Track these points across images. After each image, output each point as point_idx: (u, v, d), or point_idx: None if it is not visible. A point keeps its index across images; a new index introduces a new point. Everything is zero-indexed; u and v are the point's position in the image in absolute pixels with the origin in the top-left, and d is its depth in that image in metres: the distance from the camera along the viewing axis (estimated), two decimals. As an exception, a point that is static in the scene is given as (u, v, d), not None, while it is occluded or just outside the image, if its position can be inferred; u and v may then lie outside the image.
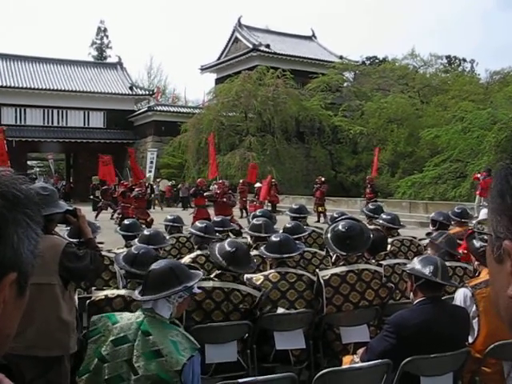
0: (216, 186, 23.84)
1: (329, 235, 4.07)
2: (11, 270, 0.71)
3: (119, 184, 19.51)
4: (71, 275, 3.06)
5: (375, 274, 3.98)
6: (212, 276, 3.74)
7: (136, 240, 4.77)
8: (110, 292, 3.53)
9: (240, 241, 5.16)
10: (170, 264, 2.67)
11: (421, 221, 15.90)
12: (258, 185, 21.43)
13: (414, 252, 5.43)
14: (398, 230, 5.83)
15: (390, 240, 5.42)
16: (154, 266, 2.65)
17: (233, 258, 3.62)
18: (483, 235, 3.33)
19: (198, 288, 3.55)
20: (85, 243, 3.24)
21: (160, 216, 12.11)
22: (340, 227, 4.03)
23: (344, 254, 3.94)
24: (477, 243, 3.61)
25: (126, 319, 2.46)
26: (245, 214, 19.81)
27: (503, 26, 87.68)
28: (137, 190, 16.48)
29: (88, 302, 3.54)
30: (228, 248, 3.66)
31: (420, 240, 5.96)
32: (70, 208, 3.27)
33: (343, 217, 5.71)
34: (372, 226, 5.82)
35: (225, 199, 13.94)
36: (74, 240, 3.43)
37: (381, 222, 5.72)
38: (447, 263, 3.70)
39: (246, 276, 3.95)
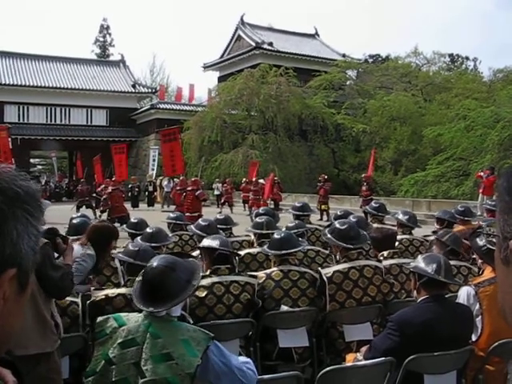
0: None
1: (329, 236, 4.10)
2: (10, 266, 0.71)
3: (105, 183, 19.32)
4: (37, 278, 2.83)
5: (376, 269, 4.00)
6: (208, 273, 3.72)
7: (139, 238, 4.77)
8: (111, 291, 3.50)
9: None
10: (165, 263, 2.35)
11: (423, 219, 15.87)
12: (261, 181, 21.37)
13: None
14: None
15: (399, 237, 5.36)
16: (150, 271, 2.37)
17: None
18: (492, 237, 3.30)
19: (198, 287, 3.56)
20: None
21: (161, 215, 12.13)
22: (337, 225, 4.12)
23: (351, 246, 3.96)
24: (480, 241, 3.59)
25: (133, 321, 2.35)
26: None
27: (506, 24, 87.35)
28: (111, 188, 16.63)
29: (88, 302, 3.50)
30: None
31: (425, 237, 5.92)
32: (63, 234, 3.21)
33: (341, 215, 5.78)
34: (376, 225, 5.82)
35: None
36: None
37: (399, 217, 5.72)
38: (452, 262, 3.69)
39: (248, 274, 3.96)
